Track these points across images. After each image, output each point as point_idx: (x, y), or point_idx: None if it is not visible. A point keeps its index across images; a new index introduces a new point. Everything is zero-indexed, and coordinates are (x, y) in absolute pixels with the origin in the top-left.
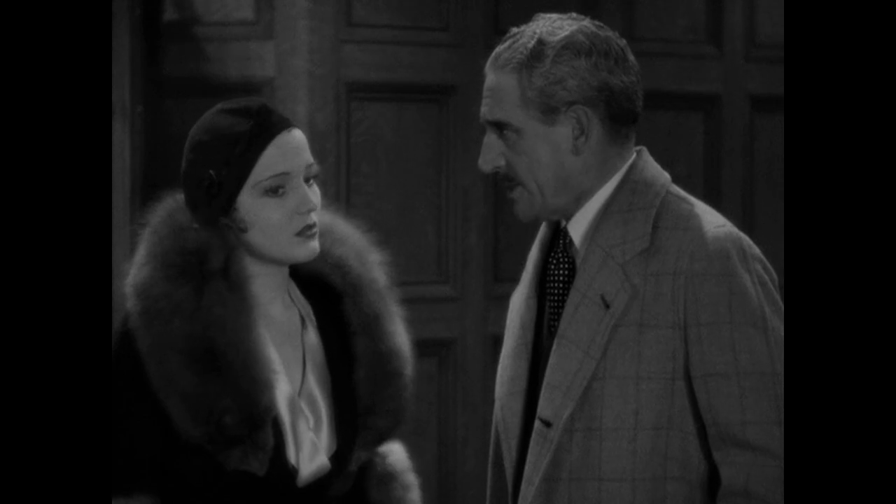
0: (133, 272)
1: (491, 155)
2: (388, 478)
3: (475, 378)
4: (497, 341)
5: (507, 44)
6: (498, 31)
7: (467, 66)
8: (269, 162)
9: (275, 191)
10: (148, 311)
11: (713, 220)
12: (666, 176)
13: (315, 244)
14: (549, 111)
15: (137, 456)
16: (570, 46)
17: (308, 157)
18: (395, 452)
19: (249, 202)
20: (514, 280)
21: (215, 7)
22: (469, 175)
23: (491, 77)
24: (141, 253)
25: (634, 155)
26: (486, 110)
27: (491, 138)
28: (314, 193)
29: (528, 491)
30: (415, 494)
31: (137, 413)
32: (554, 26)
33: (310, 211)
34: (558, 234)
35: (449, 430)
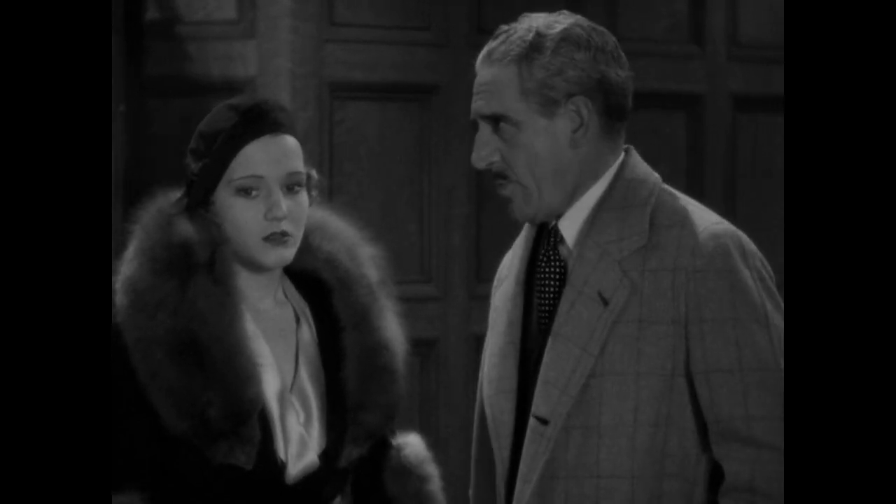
0: (123, 268)
1: (485, 151)
2: (404, 470)
3: (458, 377)
4: (480, 340)
5: (500, 39)
6: (480, 31)
7: (450, 66)
8: (245, 162)
9: (247, 191)
10: (134, 304)
11: (710, 218)
12: (656, 175)
13: (284, 252)
14: (548, 103)
15: (127, 452)
16: (568, 38)
17: (292, 165)
18: (412, 445)
19: (224, 198)
20: None
21: (197, 6)
22: (452, 174)
23: (486, 72)
24: (130, 249)
25: (624, 153)
26: (481, 104)
27: (485, 134)
28: (296, 202)
29: (524, 489)
30: (433, 485)
31: (126, 408)
32: (549, 20)
33: (277, 218)
34: (543, 232)
35: (431, 429)
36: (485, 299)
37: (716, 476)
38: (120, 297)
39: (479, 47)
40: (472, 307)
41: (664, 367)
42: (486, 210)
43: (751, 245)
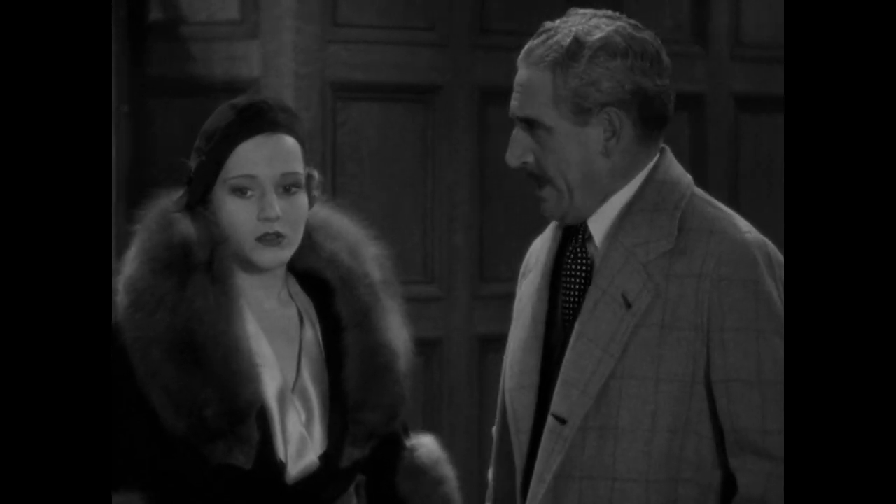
0: (125, 268)
1: (519, 150)
2: (417, 471)
3: (461, 378)
4: (483, 341)
5: (541, 39)
6: (483, 31)
7: (452, 66)
8: (239, 161)
9: (241, 191)
10: (133, 304)
11: (740, 226)
12: (689, 177)
13: (279, 253)
14: (581, 112)
15: (126, 451)
16: (606, 47)
17: (287, 165)
18: (425, 445)
19: (219, 197)
20: (501, 280)
21: (200, 7)
22: (454, 175)
23: (523, 72)
24: (132, 249)
25: (658, 154)
26: (516, 105)
27: (520, 133)
28: (292, 203)
29: (538, 488)
30: (448, 487)
31: (126, 408)
32: (590, 24)
33: (270, 219)
34: (572, 228)
35: (435, 429)
36: (488, 299)
37: (729, 484)
38: (121, 297)
39: (481, 47)
40: (476, 307)
41: (684, 374)
42: (489, 210)
43: (778, 256)
